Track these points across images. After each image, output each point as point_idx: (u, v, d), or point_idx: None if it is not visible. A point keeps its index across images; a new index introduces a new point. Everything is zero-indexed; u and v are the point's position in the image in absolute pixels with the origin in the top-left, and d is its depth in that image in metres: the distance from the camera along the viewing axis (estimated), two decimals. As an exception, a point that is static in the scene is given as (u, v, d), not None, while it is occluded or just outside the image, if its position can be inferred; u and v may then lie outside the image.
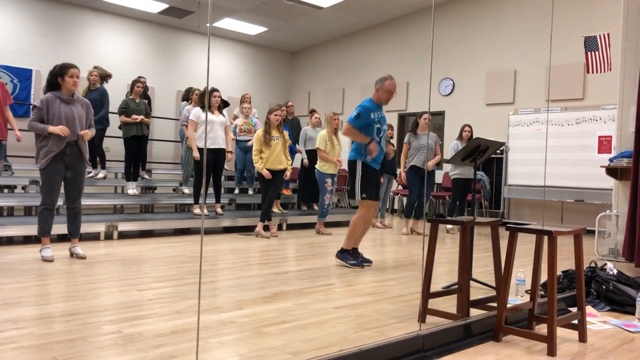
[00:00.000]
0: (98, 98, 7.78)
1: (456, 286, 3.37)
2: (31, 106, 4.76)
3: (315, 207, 8.79)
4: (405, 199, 8.18)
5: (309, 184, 8.54)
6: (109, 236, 6.35)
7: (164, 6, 10.74)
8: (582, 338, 3.08)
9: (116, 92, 9.56)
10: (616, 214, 6.07)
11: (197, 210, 7.37)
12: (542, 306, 3.28)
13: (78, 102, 4.87)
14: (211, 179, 7.27)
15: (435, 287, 3.96)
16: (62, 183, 4.87)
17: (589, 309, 3.74)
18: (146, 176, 9.09)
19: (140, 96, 7.91)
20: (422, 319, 3.20)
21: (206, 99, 7.46)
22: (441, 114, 11.11)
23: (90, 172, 8.11)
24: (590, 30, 7.60)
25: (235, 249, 5.92)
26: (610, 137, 8.30)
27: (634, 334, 3.27)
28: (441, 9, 10.96)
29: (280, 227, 7.84)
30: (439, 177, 10.85)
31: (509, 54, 10.18)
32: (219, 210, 7.51)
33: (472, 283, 3.77)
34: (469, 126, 7.95)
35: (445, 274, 4.81)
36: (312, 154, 8.40)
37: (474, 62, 10.70)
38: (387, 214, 9.04)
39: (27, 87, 10.02)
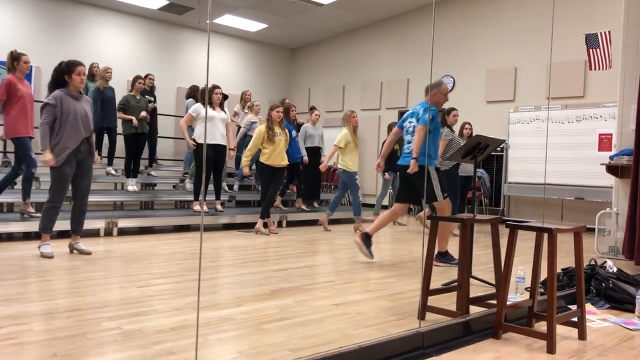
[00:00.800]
0: (112, 96, 7.89)
1: (456, 283, 3.37)
2: (43, 103, 4.69)
3: (316, 205, 8.79)
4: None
5: (310, 181, 8.54)
6: (108, 233, 6.35)
7: (164, 2, 10.72)
8: (582, 335, 3.08)
9: (117, 89, 9.55)
10: (616, 212, 6.07)
11: (196, 207, 7.38)
12: (542, 304, 3.28)
13: (84, 100, 4.88)
14: (212, 176, 7.27)
15: (435, 284, 3.96)
16: (73, 181, 4.86)
17: (588, 306, 3.74)
18: (152, 172, 9.08)
19: (141, 92, 7.92)
20: (421, 316, 3.20)
21: (206, 96, 7.46)
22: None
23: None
24: (591, 28, 7.59)
25: (235, 246, 5.92)
26: (611, 134, 8.29)
27: (633, 332, 3.28)
28: (442, 6, 10.94)
29: (280, 224, 7.84)
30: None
31: (510, 52, 10.17)
32: (219, 207, 7.51)
33: (471, 280, 3.77)
34: (469, 124, 7.93)
35: (445, 271, 4.81)
36: (312, 152, 8.40)
37: (474, 60, 10.69)
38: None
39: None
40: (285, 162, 6.91)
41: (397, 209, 5.23)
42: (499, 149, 9.59)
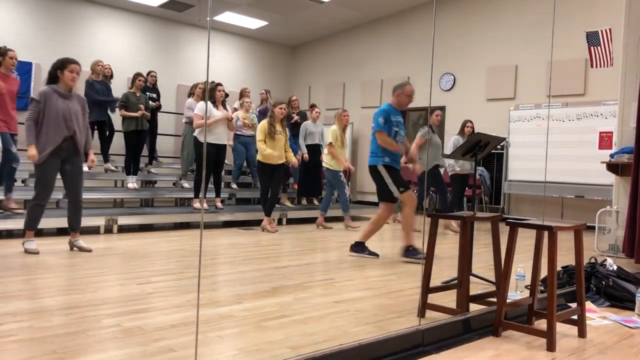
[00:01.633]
0: (103, 89, 7.89)
1: (456, 281, 3.37)
2: (29, 99, 4.72)
3: (316, 202, 8.79)
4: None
5: (308, 179, 8.54)
6: (108, 230, 6.35)
7: (164, 0, 10.70)
8: (582, 333, 3.08)
9: (116, 86, 9.54)
10: (616, 210, 6.07)
11: (197, 205, 7.38)
12: (542, 301, 3.28)
13: (75, 98, 4.85)
14: (212, 174, 7.27)
15: (435, 282, 3.95)
16: (62, 178, 4.85)
17: (588, 304, 3.74)
18: (152, 170, 9.08)
19: (145, 90, 7.92)
20: (421, 314, 3.20)
21: (206, 93, 7.46)
22: (442, 109, 11.08)
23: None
24: (592, 26, 7.58)
25: (235, 244, 5.92)
26: (611, 132, 8.28)
27: (633, 330, 3.27)
28: (442, 4, 10.92)
29: (280, 222, 7.84)
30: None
31: (510, 49, 10.16)
32: (219, 204, 7.51)
33: (471, 278, 3.77)
34: (471, 122, 7.91)
35: (445, 269, 4.81)
36: (312, 149, 8.39)
37: (475, 57, 10.68)
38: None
39: (27, 81, 9.98)
40: (283, 159, 6.91)
41: (383, 211, 5.28)
42: (499, 146, 9.58)
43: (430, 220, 3.40)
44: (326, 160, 7.47)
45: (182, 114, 8.75)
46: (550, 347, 2.80)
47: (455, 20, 10.88)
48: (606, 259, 4.17)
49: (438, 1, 11.01)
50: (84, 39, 10.72)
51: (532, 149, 9.38)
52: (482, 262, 5.07)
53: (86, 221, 6.28)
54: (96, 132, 8.06)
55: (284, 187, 8.34)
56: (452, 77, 11.01)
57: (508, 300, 3.06)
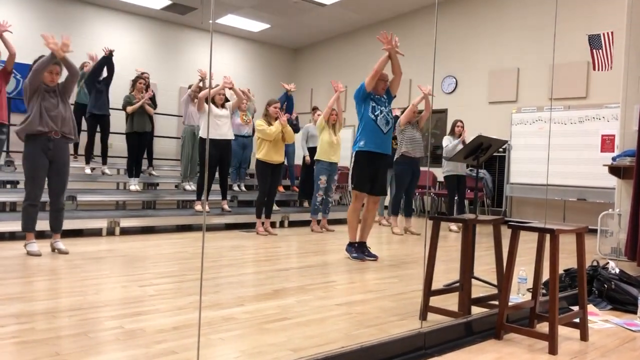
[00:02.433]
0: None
1: (458, 284, 3.37)
2: (24, 87, 4.71)
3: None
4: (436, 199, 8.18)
5: (310, 181, 8.54)
6: (110, 232, 6.36)
7: (167, 2, 10.73)
8: (584, 337, 3.08)
9: (118, 89, 9.56)
10: (618, 213, 6.06)
11: (198, 207, 7.37)
12: (544, 304, 3.28)
13: (58, 93, 4.79)
14: (218, 174, 7.26)
15: (437, 284, 3.95)
16: (47, 177, 4.82)
17: (590, 307, 3.73)
18: (154, 172, 9.09)
19: (142, 92, 7.92)
20: (423, 317, 3.20)
21: (208, 95, 7.46)
22: (444, 111, 11.09)
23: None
24: (594, 29, 7.58)
25: (236, 246, 5.93)
26: (613, 135, 8.28)
27: (635, 333, 3.27)
28: (444, 7, 10.93)
29: (281, 224, 7.85)
30: (440, 175, 10.84)
31: (512, 52, 10.16)
32: (226, 206, 7.49)
33: (473, 281, 3.77)
34: (461, 121, 7.87)
35: (446, 271, 4.80)
36: (314, 152, 8.39)
37: (477, 60, 10.68)
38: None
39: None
40: (281, 158, 6.89)
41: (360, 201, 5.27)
42: (501, 149, 9.58)
43: (432, 223, 3.40)
44: (318, 153, 7.42)
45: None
46: (552, 350, 2.80)
47: (457, 23, 10.89)
48: (608, 262, 4.17)
49: (440, 4, 11.02)
50: (86, 41, 10.75)
51: (534, 151, 9.38)
52: (484, 265, 5.06)
53: (88, 223, 6.32)
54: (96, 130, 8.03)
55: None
56: (454, 79, 11.01)
57: (510, 303, 3.06)
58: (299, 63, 14.29)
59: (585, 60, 8.79)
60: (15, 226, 5.81)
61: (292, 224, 8.03)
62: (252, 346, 2.65)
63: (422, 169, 9.34)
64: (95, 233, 6.30)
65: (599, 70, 6.92)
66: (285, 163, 8.76)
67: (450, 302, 3.49)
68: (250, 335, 2.82)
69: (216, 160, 7.01)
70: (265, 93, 13.03)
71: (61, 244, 5.00)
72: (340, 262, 5.14)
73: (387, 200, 8.34)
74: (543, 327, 3.18)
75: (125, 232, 6.52)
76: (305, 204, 9.34)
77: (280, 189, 9.23)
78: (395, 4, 11.31)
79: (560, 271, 4.15)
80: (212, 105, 7.01)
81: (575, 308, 3.51)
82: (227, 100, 7.31)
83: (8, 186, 7.48)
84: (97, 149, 8.23)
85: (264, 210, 6.95)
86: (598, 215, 6.31)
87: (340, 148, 7.52)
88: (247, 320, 3.07)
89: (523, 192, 9.59)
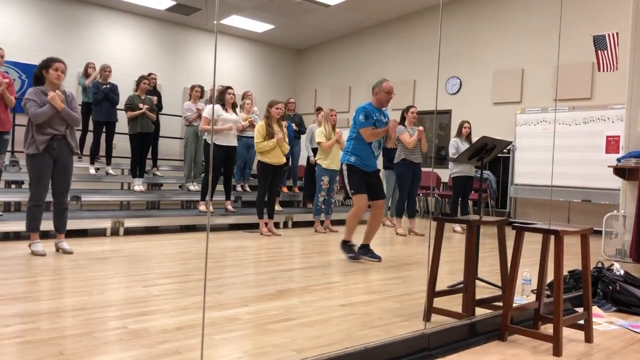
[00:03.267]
0: (108, 92, 7.91)
1: (462, 285, 3.36)
2: (24, 101, 4.69)
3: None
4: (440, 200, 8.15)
5: (314, 182, 8.53)
6: (115, 232, 6.37)
7: (172, 3, 10.75)
8: (588, 338, 3.07)
9: (123, 89, 9.58)
10: (623, 214, 6.03)
11: (202, 207, 7.38)
12: (548, 306, 3.27)
13: (73, 108, 4.82)
14: (222, 176, 7.26)
15: (441, 286, 3.94)
16: (51, 177, 4.83)
17: (595, 309, 3.72)
18: (157, 173, 9.10)
19: (146, 92, 7.94)
20: (427, 318, 3.20)
21: (213, 96, 7.48)
22: (448, 112, 11.08)
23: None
24: (598, 30, 7.56)
25: (240, 246, 5.93)
26: (618, 137, 8.25)
27: (640, 335, 3.26)
28: (449, 7, 10.92)
29: (285, 225, 7.85)
30: (444, 176, 10.83)
31: (517, 53, 10.14)
32: (230, 207, 7.51)
33: (477, 282, 3.76)
34: (468, 122, 7.87)
35: (450, 273, 4.80)
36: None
37: (481, 61, 10.66)
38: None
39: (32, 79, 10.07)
40: (283, 160, 6.87)
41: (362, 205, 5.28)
42: (505, 150, 9.56)
43: (436, 224, 3.39)
44: (317, 158, 7.45)
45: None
46: (557, 352, 2.79)
47: (461, 23, 10.87)
48: (613, 264, 4.15)
49: (444, 5, 11.01)
50: (91, 42, 10.79)
51: (538, 152, 9.35)
52: (488, 266, 5.05)
53: (92, 224, 6.33)
54: (102, 133, 8.09)
55: (279, 191, 8.28)
56: (459, 80, 10.99)
57: (514, 305, 3.05)
58: (303, 64, 14.29)
59: (590, 61, 8.77)
60: (20, 226, 5.84)
61: (296, 224, 8.03)
62: (255, 347, 2.65)
63: (426, 169, 9.32)
64: (100, 233, 6.32)
65: (604, 71, 6.91)
66: (289, 164, 8.77)
67: (454, 303, 3.48)
68: (253, 335, 2.83)
69: (221, 162, 7.01)
70: (269, 94, 13.06)
71: (66, 243, 5.02)
72: (343, 263, 5.13)
73: (391, 201, 8.33)
74: (547, 328, 3.18)
75: (130, 232, 6.53)
76: (309, 204, 9.33)
77: (284, 189, 9.23)
78: (400, 5, 11.31)
79: (565, 272, 4.14)
80: (220, 108, 6.99)
81: (580, 310, 3.50)
82: (235, 105, 7.29)
83: (13, 186, 7.51)
84: (102, 149, 8.26)
85: (266, 211, 6.94)
86: (603, 217, 6.28)
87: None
88: (250, 321, 3.07)
89: (527, 193, 9.57)
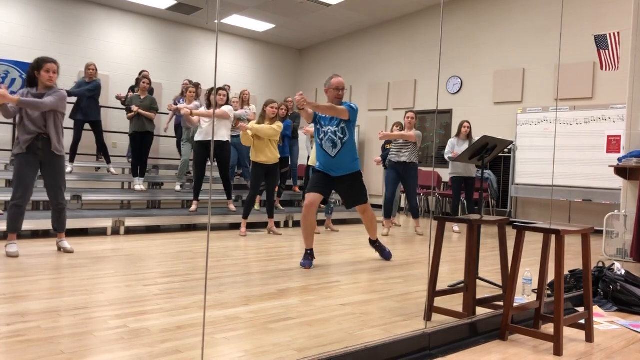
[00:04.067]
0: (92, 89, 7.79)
1: (462, 285, 3.36)
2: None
3: (322, 206, 8.77)
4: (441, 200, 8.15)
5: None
6: (115, 231, 6.37)
7: (172, 2, 10.75)
8: (589, 338, 3.07)
9: (123, 88, 9.59)
10: (624, 214, 6.03)
11: (193, 207, 7.29)
12: (549, 305, 3.27)
13: (50, 95, 4.68)
14: (220, 175, 7.24)
15: (442, 285, 3.95)
16: (43, 179, 4.80)
17: (596, 309, 3.72)
18: (153, 172, 9.10)
19: (147, 91, 7.93)
20: (428, 317, 3.20)
21: (214, 96, 7.46)
22: (449, 112, 11.08)
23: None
24: (599, 29, 7.56)
25: (241, 246, 5.93)
26: (619, 136, 8.25)
27: (641, 335, 3.25)
28: (450, 7, 10.92)
29: (286, 224, 7.85)
30: (445, 176, 10.83)
31: (518, 53, 10.13)
32: (232, 206, 7.45)
33: (478, 282, 3.76)
34: (468, 122, 7.86)
35: (451, 272, 4.80)
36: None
37: (482, 61, 10.66)
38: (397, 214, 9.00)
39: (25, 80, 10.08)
40: (275, 159, 6.78)
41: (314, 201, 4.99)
42: (506, 150, 9.56)
43: (437, 223, 3.39)
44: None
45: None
46: (558, 351, 2.79)
47: (462, 23, 10.87)
48: (614, 263, 4.15)
49: (445, 4, 11.01)
50: (92, 41, 10.79)
51: (539, 152, 9.35)
52: (489, 266, 5.05)
53: (93, 223, 6.34)
54: (89, 132, 7.99)
55: (279, 191, 8.27)
56: (459, 80, 10.99)
57: (515, 304, 3.05)
58: (304, 63, 14.30)
59: (591, 60, 8.77)
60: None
61: (297, 224, 8.03)
62: (256, 346, 2.65)
63: (426, 169, 9.32)
64: (100, 232, 6.32)
65: (606, 70, 6.90)
66: (289, 163, 8.76)
67: (455, 302, 3.48)
68: (254, 335, 2.83)
69: (205, 160, 6.95)
70: (270, 93, 13.08)
71: (66, 243, 5.02)
72: (344, 262, 5.13)
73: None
74: (548, 328, 3.18)
75: (130, 231, 6.54)
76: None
77: (296, 189, 9.22)
78: (401, 5, 11.30)
79: (566, 272, 4.14)
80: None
81: (581, 309, 3.50)
82: (227, 101, 7.27)
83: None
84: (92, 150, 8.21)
85: (258, 211, 6.91)
86: (604, 217, 6.28)
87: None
88: (251, 320, 3.07)
89: (528, 192, 9.56)
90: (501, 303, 3.28)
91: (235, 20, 11.77)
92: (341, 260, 5.28)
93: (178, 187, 8.25)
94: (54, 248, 5.09)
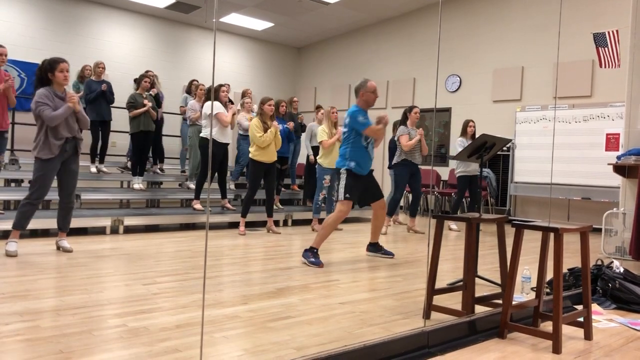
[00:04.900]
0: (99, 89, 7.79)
1: (461, 283, 3.36)
2: (35, 104, 4.57)
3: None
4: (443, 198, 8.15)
5: (314, 180, 8.54)
6: (114, 230, 6.37)
7: (171, 1, 10.74)
8: (588, 336, 3.07)
9: (122, 87, 9.58)
10: (623, 212, 6.04)
11: (197, 206, 7.33)
12: (548, 304, 3.27)
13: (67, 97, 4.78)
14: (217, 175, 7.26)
15: (440, 283, 3.95)
16: (57, 177, 4.82)
17: (594, 306, 3.72)
18: (158, 171, 9.07)
19: (147, 90, 7.92)
20: (426, 316, 3.20)
21: (212, 95, 7.47)
22: (448, 110, 11.08)
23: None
24: (598, 27, 7.55)
25: (240, 244, 5.93)
26: (618, 134, 8.25)
27: (639, 332, 3.26)
28: (448, 5, 10.91)
29: (285, 223, 7.85)
30: (444, 174, 10.84)
31: (516, 51, 10.13)
32: (228, 205, 7.49)
33: (477, 280, 3.76)
34: (473, 121, 7.87)
35: (450, 270, 4.80)
36: (318, 150, 8.39)
37: (481, 59, 10.66)
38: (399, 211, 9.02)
39: (34, 82, 10.06)
40: (275, 157, 6.79)
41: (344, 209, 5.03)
42: (505, 148, 9.56)
43: (436, 222, 3.39)
44: (319, 158, 7.37)
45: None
46: (556, 349, 2.79)
47: (461, 21, 10.86)
48: (613, 261, 4.16)
49: (444, 3, 11.00)
50: (90, 40, 10.78)
51: (538, 150, 9.35)
52: (488, 264, 5.05)
53: (92, 222, 6.34)
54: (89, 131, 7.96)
55: (277, 189, 8.26)
56: (458, 78, 10.99)
57: (514, 302, 3.05)
58: (303, 62, 14.29)
59: (590, 58, 8.77)
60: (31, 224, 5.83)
61: (296, 222, 8.03)
62: (255, 344, 2.65)
63: (425, 167, 9.30)
64: (99, 231, 6.32)
65: (606, 67, 6.90)
66: (289, 163, 8.76)
67: (454, 301, 3.49)
68: (253, 333, 2.83)
69: (218, 159, 7.02)
70: (269, 92, 13.05)
71: (66, 242, 5.02)
72: (343, 261, 5.14)
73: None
74: (547, 326, 3.18)
75: (129, 230, 6.53)
76: (309, 203, 9.34)
77: (295, 187, 9.22)
78: (399, 3, 11.29)
79: (564, 270, 4.14)
80: (220, 105, 6.98)
81: (580, 307, 3.51)
82: (230, 102, 7.28)
83: (12, 185, 7.50)
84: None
85: (266, 210, 6.92)
86: (602, 214, 6.29)
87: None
88: (250, 319, 3.07)
89: (527, 191, 9.57)
90: (500, 301, 3.28)
91: (234, 18, 11.76)
92: (340, 258, 5.29)
93: (192, 185, 8.26)
94: (53, 247, 5.09)
